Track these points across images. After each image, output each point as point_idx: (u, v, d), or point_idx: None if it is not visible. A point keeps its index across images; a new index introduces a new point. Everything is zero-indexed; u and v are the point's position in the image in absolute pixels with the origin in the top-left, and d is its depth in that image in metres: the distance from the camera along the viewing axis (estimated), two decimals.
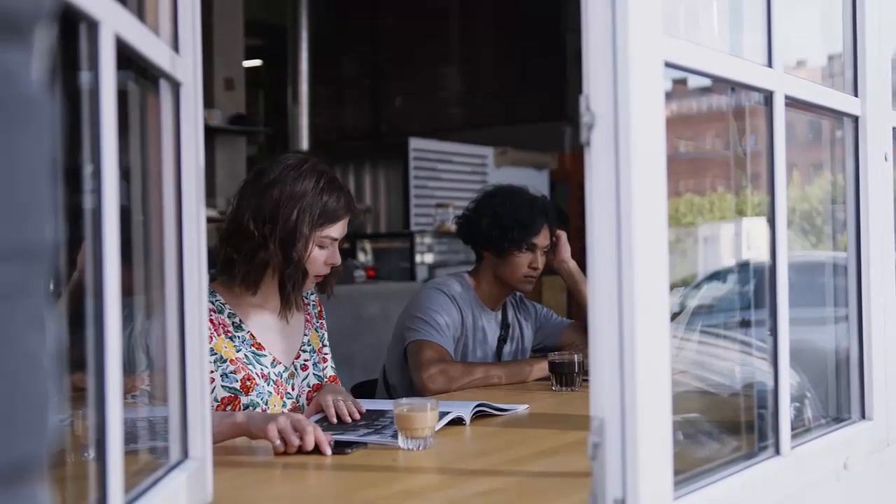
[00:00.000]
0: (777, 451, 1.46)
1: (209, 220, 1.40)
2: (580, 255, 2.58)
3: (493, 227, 2.89)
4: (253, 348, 2.23)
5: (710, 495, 1.28)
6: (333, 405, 2.08)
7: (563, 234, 3.03)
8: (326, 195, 2.20)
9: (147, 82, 1.25)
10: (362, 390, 3.03)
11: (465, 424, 2.08)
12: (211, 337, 2.15)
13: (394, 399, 2.27)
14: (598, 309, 1.11)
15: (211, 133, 6.95)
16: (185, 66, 1.31)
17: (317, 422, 2.04)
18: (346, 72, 9.97)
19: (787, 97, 1.49)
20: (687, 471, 1.26)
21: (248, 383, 2.18)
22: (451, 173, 7.71)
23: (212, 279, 2.21)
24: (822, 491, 1.61)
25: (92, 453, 1.07)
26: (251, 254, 2.18)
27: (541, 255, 2.92)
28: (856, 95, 1.78)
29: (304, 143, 8.03)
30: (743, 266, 1.85)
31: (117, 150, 0.96)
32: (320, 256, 2.23)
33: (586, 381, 2.52)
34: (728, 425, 1.65)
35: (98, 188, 0.94)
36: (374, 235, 7.56)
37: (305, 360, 2.34)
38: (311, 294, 2.42)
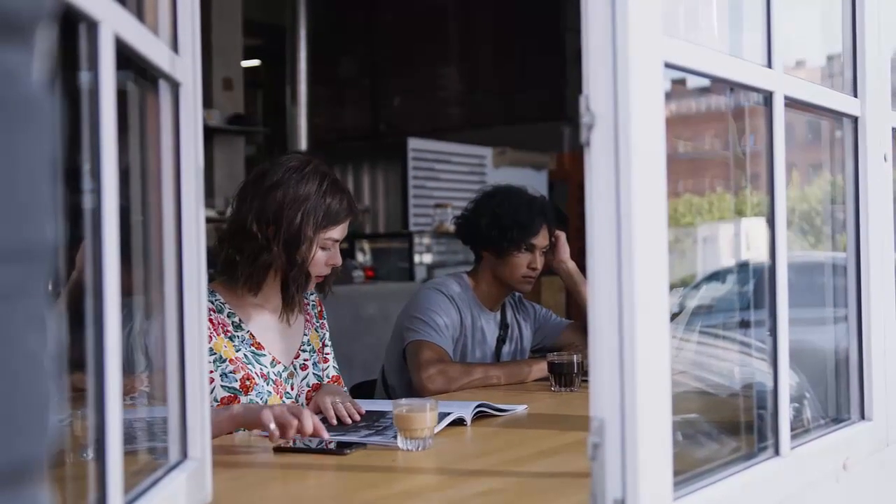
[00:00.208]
0: (777, 452, 1.46)
1: (208, 220, 1.40)
2: (579, 255, 2.58)
3: (492, 227, 2.89)
4: (252, 348, 2.23)
5: (709, 496, 1.28)
6: (332, 407, 2.08)
7: (562, 235, 3.03)
8: (329, 197, 2.21)
9: (146, 82, 1.25)
10: (361, 391, 3.03)
11: (465, 425, 2.08)
12: (210, 336, 2.15)
13: (393, 399, 2.27)
14: (598, 309, 1.11)
15: (209, 133, 6.94)
16: (185, 66, 1.31)
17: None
18: (345, 72, 9.97)
19: (786, 98, 1.49)
20: (687, 471, 1.26)
21: (248, 383, 2.18)
22: (450, 173, 7.71)
23: (210, 279, 2.21)
24: (821, 491, 1.61)
25: (91, 453, 1.06)
26: (254, 255, 2.18)
27: (540, 256, 2.92)
28: (855, 96, 1.78)
29: (303, 143, 8.03)
30: (742, 266, 1.85)
31: (117, 151, 0.96)
32: (322, 258, 2.24)
33: (585, 381, 2.52)
34: (727, 426, 1.64)
35: (97, 188, 0.94)
36: (373, 235, 7.55)
37: (305, 360, 2.35)
38: (311, 294, 2.42)
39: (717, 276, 2.21)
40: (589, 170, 1.12)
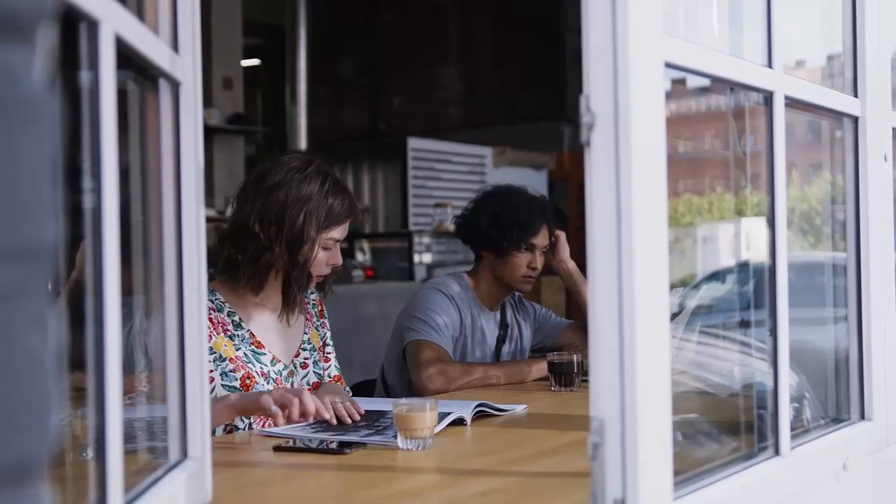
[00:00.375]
0: (777, 452, 1.46)
1: (207, 219, 1.40)
2: (579, 254, 2.58)
3: (492, 227, 2.89)
4: (253, 346, 2.23)
5: (709, 495, 1.28)
6: (332, 406, 2.08)
7: (562, 235, 3.03)
8: (331, 197, 2.22)
9: (146, 82, 1.25)
10: (361, 390, 3.03)
11: (465, 424, 2.08)
12: (210, 335, 2.16)
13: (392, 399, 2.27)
14: (598, 309, 1.11)
15: (209, 132, 6.95)
16: (185, 65, 1.31)
17: (316, 422, 2.04)
18: (345, 71, 9.97)
19: (786, 97, 1.49)
20: (687, 471, 1.26)
21: (248, 381, 2.18)
22: (450, 173, 7.71)
23: (210, 278, 2.21)
24: (821, 491, 1.61)
25: (90, 453, 1.06)
26: (256, 255, 2.19)
27: (540, 256, 2.92)
28: (855, 96, 1.78)
29: (303, 143, 8.03)
30: (742, 266, 1.85)
31: (117, 150, 0.96)
32: (323, 257, 2.25)
33: (585, 381, 2.52)
34: (727, 426, 1.64)
35: (98, 187, 0.94)
36: (373, 235, 7.56)
37: (305, 359, 2.35)
38: (312, 293, 2.43)
39: (716, 275, 2.21)
40: (589, 169, 1.12)
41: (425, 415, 1.82)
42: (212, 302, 2.21)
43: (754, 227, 1.68)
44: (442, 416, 1.98)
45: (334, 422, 2.03)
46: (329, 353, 2.45)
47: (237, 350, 2.20)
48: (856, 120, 1.78)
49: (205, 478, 1.36)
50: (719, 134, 1.88)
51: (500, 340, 3.02)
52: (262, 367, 2.23)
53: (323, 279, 2.31)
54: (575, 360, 2.61)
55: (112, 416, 0.95)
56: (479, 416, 2.15)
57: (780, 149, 1.48)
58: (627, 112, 1.10)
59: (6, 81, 0.57)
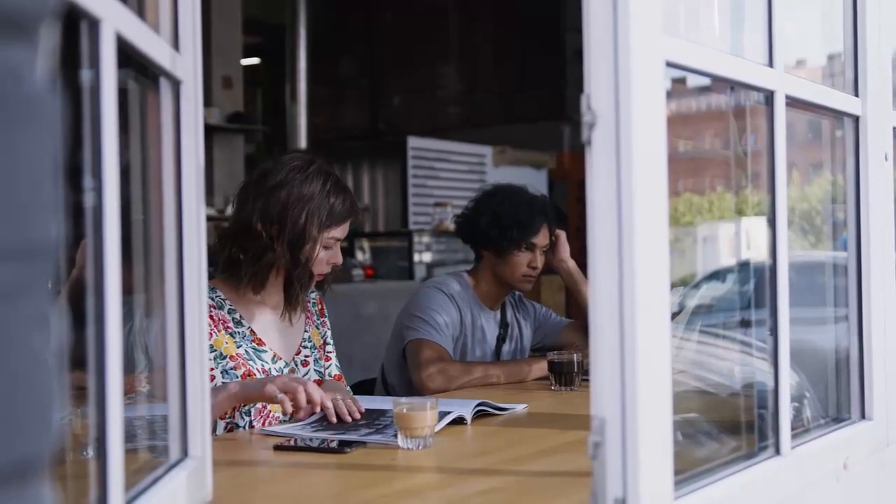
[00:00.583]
0: (777, 451, 1.46)
1: (207, 218, 1.40)
2: (579, 254, 2.58)
3: (493, 226, 2.89)
4: (254, 344, 2.24)
5: (710, 495, 1.28)
6: (333, 403, 2.08)
7: (562, 234, 3.03)
8: (333, 197, 2.23)
9: (147, 80, 1.25)
10: (361, 389, 3.03)
11: (465, 424, 2.08)
12: (211, 333, 2.16)
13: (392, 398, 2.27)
14: (599, 308, 1.11)
15: (209, 131, 6.94)
16: (186, 64, 1.31)
17: (316, 421, 2.04)
18: (345, 70, 9.97)
19: (787, 97, 1.49)
20: (687, 471, 1.26)
21: (249, 379, 2.18)
22: (450, 172, 7.71)
23: (209, 277, 2.22)
24: (821, 491, 1.61)
25: (91, 452, 1.06)
26: (258, 254, 2.19)
27: (540, 255, 2.92)
28: (856, 95, 1.78)
29: (303, 142, 8.03)
30: (743, 266, 1.85)
31: (118, 149, 0.96)
32: (324, 257, 2.25)
33: (585, 380, 2.52)
34: (728, 425, 1.64)
35: (98, 186, 0.94)
36: (373, 234, 7.56)
37: (306, 357, 2.36)
38: (312, 292, 2.43)
39: (717, 275, 2.21)
40: (590, 168, 1.12)
41: (425, 414, 1.82)
42: (212, 299, 2.21)
43: (755, 227, 1.68)
44: (442, 415, 1.98)
45: (334, 419, 2.03)
46: (329, 353, 2.45)
47: (238, 347, 2.21)
48: (856, 119, 1.78)
49: (205, 477, 1.36)
50: (720, 133, 1.88)
51: (501, 340, 3.02)
52: (263, 365, 2.23)
53: (322, 278, 2.32)
54: (575, 359, 2.61)
55: (113, 414, 0.95)
56: (480, 415, 2.15)
57: (780, 148, 1.48)
58: (628, 111, 1.10)
59: (8, 80, 0.57)
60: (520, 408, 2.30)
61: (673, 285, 1.22)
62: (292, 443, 1.88)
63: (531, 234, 2.89)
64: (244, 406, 2.15)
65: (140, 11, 1.16)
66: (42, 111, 0.60)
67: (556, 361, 2.62)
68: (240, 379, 2.17)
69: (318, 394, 1.98)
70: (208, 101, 6.92)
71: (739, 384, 1.84)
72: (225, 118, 7.43)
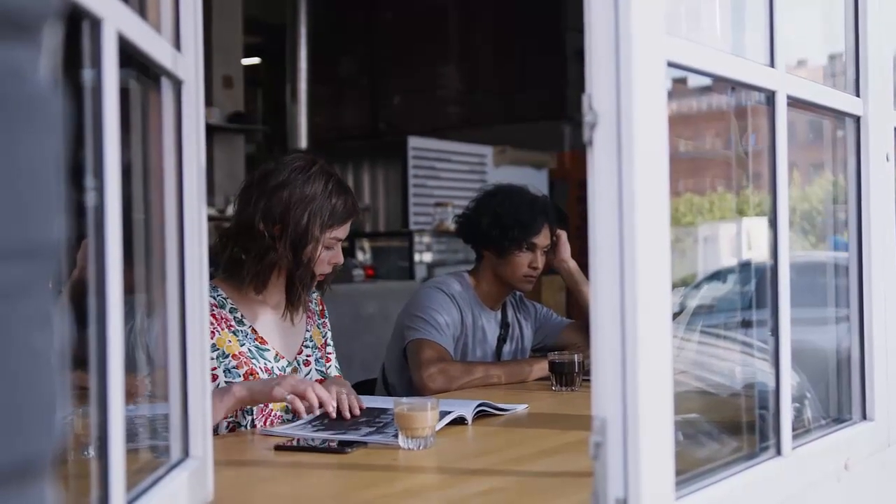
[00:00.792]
0: (778, 452, 1.46)
1: (207, 218, 1.40)
2: (579, 254, 2.58)
3: (494, 226, 2.89)
4: (256, 343, 2.25)
5: (711, 495, 1.28)
6: (337, 397, 2.10)
7: (563, 234, 3.03)
8: (335, 197, 2.23)
9: (149, 80, 1.25)
10: (361, 390, 3.01)
11: (466, 424, 2.08)
12: (214, 332, 2.17)
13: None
14: (600, 308, 1.11)
15: (209, 131, 6.92)
16: (187, 63, 1.31)
17: (316, 419, 2.04)
18: (345, 70, 9.96)
19: (789, 97, 1.49)
20: (688, 471, 1.26)
21: (251, 378, 2.18)
22: (450, 172, 7.71)
23: (210, 277, 2.22)
24: (822, 491, 1.61)
25: (92, 451, 1.06)
26: (261, 255, 2.20)
27: (541, 255, 2.92)
28: (857, 95, 1.77)
29: (303, 142, 8.03)
30: (744, 266, 1.85)
31: (119, 148, 0.96)
32: (326, 257, 2.26)
33: (586, 380, 2.52)
34: (729, 426, 1.64)
35: (100, 186, 0.94)
36: (373, 234, 7.55)
37: (308, 356, 2.36)
38: (313, 292, 2.44)
39: (718, 275, 2.21)
40: (591, 168, 1.12)
41: (426, 414, 1.82)
42: (214, 298, 2.22)
43: (756, 227, 1.68)
44: (442, 414, 1.98)
45: (334, 414, 2.05)
46: (329, 354, 2.46)
47: (241, 346, 2.21)
48: (858, 119, 1.78)
49: (206, 477, 1.36)
50: (721, 133, 1.88)
51: (501, 340, 3.02)
52: (265, 364, 2.24)
53: (324, 278, 2.32)
54: (576, 359, 2.61)
55: (114, 414, 0.95)
56: (480, 415, 2.15)
57: (781, 148, 1.48)
58: (630, 111, 1.10)
59: (12, 80, 0.57)
60: (520, 408, 2.30)
61: (674, 285, 1.22)
62: (293, 443, 1.88)
63: (532, 235, 2.89)
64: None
65: (142, 11, 1.16)
66: (44, 111, 0.60)
67: (557, 362, 2.62)
68: (242, 378, 2.17)
69: (325, 393, 2.03)
70: (209, 101, 6.92)
71: (740, 384, 1.84)
72: (225, 118, 7.42)
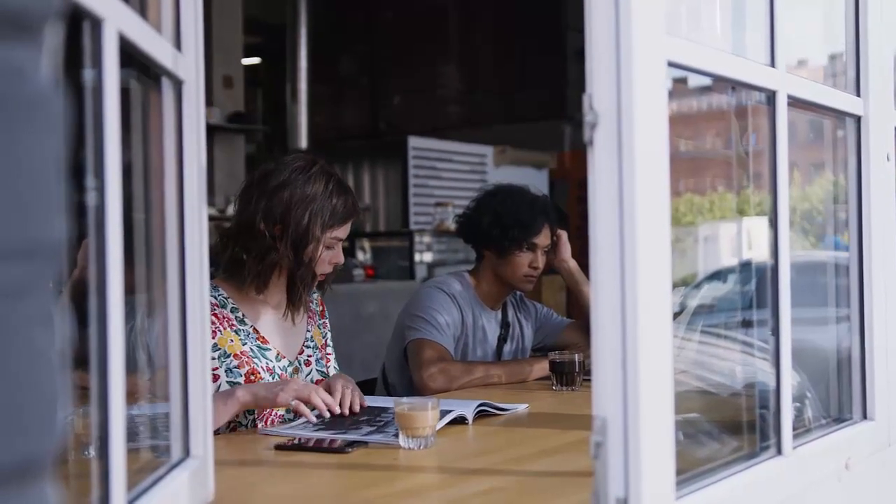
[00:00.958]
0: (779, 451, 1.46)
1: (208, 218, 1.40)
2: (579, 254, 2.58)
3: (494, 226, 2.89)
4: (258, 342, 2.25)
5: (711, 495, 1.28)
6: (342, 391, 2.13)
7: (563, 234, 3.03)
8: (336, 197, 2.24)
9: (149, 80, 1.25)
10: (361, 389, 3.01)
11: (467, 423, 2.08)
12: (215, 332, 2.17)
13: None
14: (601, 307, 1.11)
15: (210, 131, 6.93)
16: (188, 63, 1.31)
17: (317, 420, 2.05)
18: (345, 70, 9.96)
19: (789, 97, 1.49)
20: (689, 470, 1.26)
21: (253, 377, 2.19)
22: (451, 172, 7.71)
23: (211, 277, 2.22)
24: (823, 491, 1.61)
25: (92, 451, 1.06)
26: (261, 255, 2.20)
27: (541, 255, 2.92)
28: (858, 95, 1.77)
29: (303, 142, 8.03)
30: (744, 266, 1.85)
31: (120, 148, 0.96)
32: (326, 256, 2.26)
33: (587, 380, 2.52)
34: (729, 425, 1.64)
35: (101, 186, 0.94)
36: (373, 234, 7.56)
37: (309, 356, 2.37)
38: (313, 292, 2.44)
39: (718, 275, 2.21)
40: (592, 168, 1.12)
41: (427, 414, 1.82)
42: (215, 298, 2.22)
43: (756, 227, 1.68)
44: (443, 414, 1.98)
45: (337, 410, 2.06)
46: (329, 354, 2.46)
47: (243, 345, 2.22)
48: (858, 119, 1.78)
49: (207, 476, 1.36)
50: (721, 133, 1.88)
51: (502, 339, 3.02)
52: (267, 363, 2.24)
53: (324, 278, 2.33)
54: (576, 359, 2.61)
55: (115, 414, 0.95)
56: (481, 415, 2.15)
57: (782, 148, 1.48)
58: (630, 111, 1.10)
59: (13, 79, 0.57)
60: (521, 408, 2.30)
61: (674, 285, 1.22)
62: (294, 442, 1.88)
63: (533, 235, 2.89)
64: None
65: (142, 11, 1.16)
66: (46, 111, 0.60)
67: (558, 361, 2.62)
68: (244, 377, 2.17)
69: (328, 397, 2.07)
70: (209, 101, 6.92)
71: (741, 384, 1.84)
72: (225, 118, 7.43)
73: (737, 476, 1.36)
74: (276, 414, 2.21)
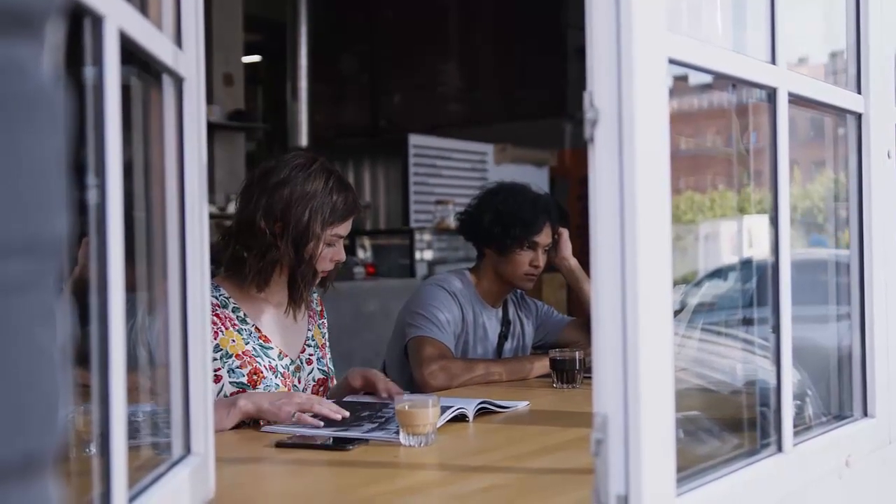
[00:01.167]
0: (779, 449, 1.46)
1: (209, 215, 1.40)
2: (579, 252, 2.58)
3: (496, 224, 2.89)
4: (260, 341, 2.25)
5: (712, 492, 1.28)
6: (384, 385, 2.25)
7: (564, 232, 3.03)
8: (336, 194, 2.24)
9: (150, 77, 1.25)
10: None
11: (467, 421, 2.08)
12: (217, 333, 2.17)
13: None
14: (602, 305, 1.11)
15: (210, 129, 6.93)
16: (188, 61, 1.31)
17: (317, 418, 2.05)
18: (346, 68, 9.96)
19: (790, 94, 1.49)
20: (689, 468, 1.26)
21: (255, 377, 2.19)
22: (451, 170, 7.71)
23: (212, 275, 2.22)
24: (824, 488, 1.61)
25: (93, 449, 1.06)
26: (262, 252, 2.21)
27: (542, 253, 2.92)
28: (859, 92, 1.77)
29: (304, 140, 8.03)
30: (745, 264, 1.85)
31: (121, 146, 0.96)
32: (327, 254, 2.26)
33: (587, 377, 2.52)
34: (730, 423, 1.64)
35: (102, 183, 0.94)
36: (374, 232, 7.56)
37: (310, 355, 2.37)
38: (314, 291, 2.44)
39: (719, 273, 2.21)
40: (592, 166, 1.12)
41: (427, 411, 1.82)
42: (216, 298, 2.22)
43: (756, 225, 1.68)
44: (443, 411, 1.98)
45: (346, 414, 2.06)
46: (325, 356, 2.46)
47: (246, 344, 2.22)
48: (859, 117, 1.78)
49: (208, 473, 1.36)
50: (722, 131, 1.88)
51: (503, 337, 3.02)
52: (269, 362, 2.24)
53: (326, 275, 2.33)
54: (577, 356, 2.61)
55: (116, 412, 0.95)
56: (481, 412, 2.16)
57: (783, 146, 1.48)
58: (631, 108, 1.10)
59: (15, 76, 0.57)
60: (521, 405, 2.30)
61: (675, 283, 1.22)
62: (294, 440, 1.88)
63: (534, 233, 2.89)
64: None
65: (143, 8, 1.16)
66: (47, 108, 0.60)
67: (558, 359, 2.62)
68: (247, 377, 2.18)
69: (333, 406, 2.06)
70: (209, 99, 6.89)
71: (741, 382, 1.84)
72: (226, 116, 7.43)
73: (737, 473, 1.36)
74: None
